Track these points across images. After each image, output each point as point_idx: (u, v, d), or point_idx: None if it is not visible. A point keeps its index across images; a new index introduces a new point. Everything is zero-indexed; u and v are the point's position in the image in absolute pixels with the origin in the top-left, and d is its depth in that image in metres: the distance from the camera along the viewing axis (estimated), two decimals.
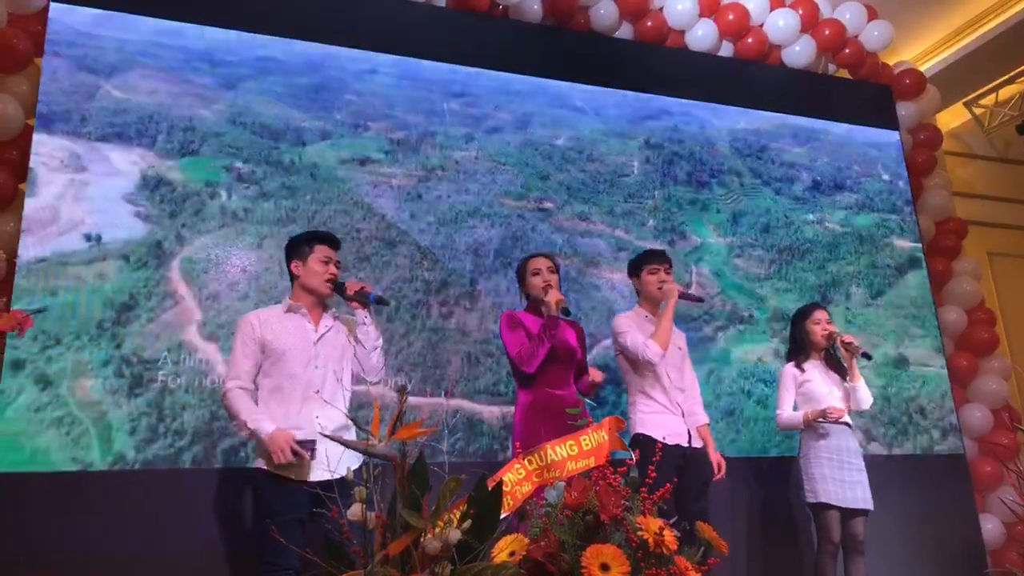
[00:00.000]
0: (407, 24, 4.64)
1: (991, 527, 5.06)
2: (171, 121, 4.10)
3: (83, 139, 3.90)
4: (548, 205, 4.82)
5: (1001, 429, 5.25)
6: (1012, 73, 6.06)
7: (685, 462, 3.43)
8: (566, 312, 3.20)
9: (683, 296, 3.56)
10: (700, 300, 3.87)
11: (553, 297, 3.19)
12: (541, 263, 3.37)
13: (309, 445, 2.73)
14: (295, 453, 2.69)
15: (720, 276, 5.10)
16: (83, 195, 3.83)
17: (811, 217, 5.51)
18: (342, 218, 4.30)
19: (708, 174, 5.32)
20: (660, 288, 3.57)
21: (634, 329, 3.50)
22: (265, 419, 2.76)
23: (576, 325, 3.53)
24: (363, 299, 2.93)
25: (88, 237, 3.78)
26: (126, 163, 3.96)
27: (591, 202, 4.93)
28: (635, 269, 3.71)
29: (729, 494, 4.29)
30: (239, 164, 4.17)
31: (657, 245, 4.76)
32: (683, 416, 3.52)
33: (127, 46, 4.11)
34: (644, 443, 3.36)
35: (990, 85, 6.24)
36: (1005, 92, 6.25)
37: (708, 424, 3.69)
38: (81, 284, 3.69)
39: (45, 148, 3.80)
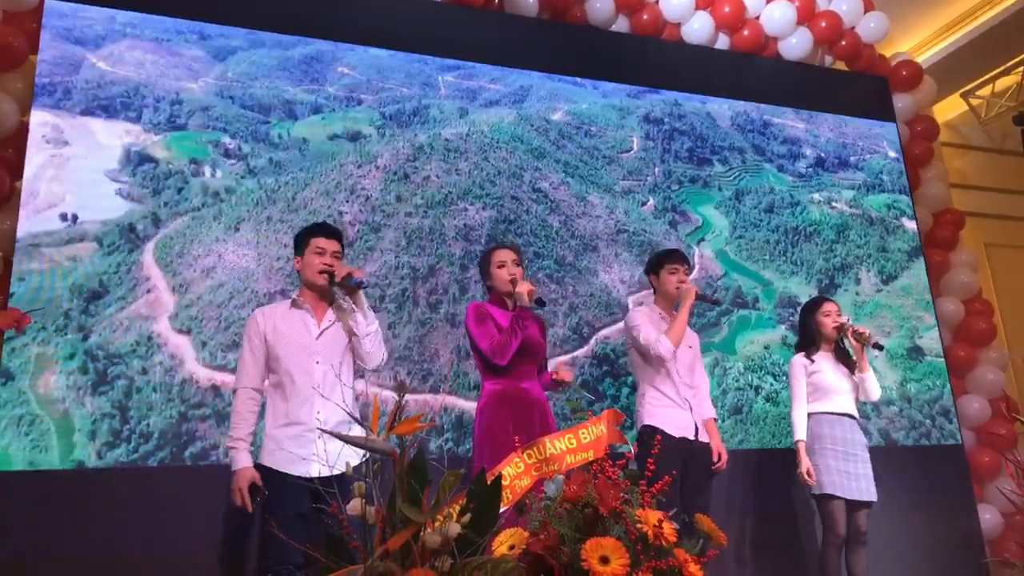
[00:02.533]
0: (403, 17, 4.62)
1: (989, 517, 5.08)
2: (158, 94, 3.96)
3: (67, 113, 3.76)
4: (543, 185, 4.57)
5: (999, 419, 5.26)
6: (1008, 64, 6.06)
7: (690, 455, 3.45)
8: (540, 303, 3.17)
9: (700, 297, 3.58)
10: (718, 303, 3.90)
11: (525, 288, 3.15)
12: (506, 255, 3.32)
13: (257, 495, 2.75)
14: (243, 499, 2.73)
15: (722, 258, 4.92)
16: (64, 172, 3.67)
17: (818, 197, 5.34)
18: (323, 200, 4.08)
19: (709, 151, 5.17)
20: (678, 288, 3.59)
21: (648, 324, 3.52)
22: (242, 450, 2.80)
23: (538, 318, 3.50)
24: (347, 284, 2.91)
25: (64, 217, 3.61)
26: (111, 138, 3.81)
27: (589, 180, 4.70)
28: (654, 267, 3.73)
29: (733, 486, 4.31)
30: (226, 139, 4.03)
31: (657, 224, 4.70)
32: (691, 411, 3.54)
33: (117, 16, 3.98)
34: (650, 434, 3.38)
35: (986, 76, 6.24)
36: (1001, 83, 6.24)
37: (715, 419, 3.71)
38: (52, 268, 3.52)
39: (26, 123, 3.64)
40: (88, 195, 3.68)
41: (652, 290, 3.79)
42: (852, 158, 5.61)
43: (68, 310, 3.52)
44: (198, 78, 4.08)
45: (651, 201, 4.87)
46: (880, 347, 3.86)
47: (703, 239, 4.95)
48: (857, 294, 5.25)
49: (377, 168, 4.25)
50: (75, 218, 3.64)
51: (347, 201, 4.12)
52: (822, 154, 5.52)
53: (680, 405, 3.51)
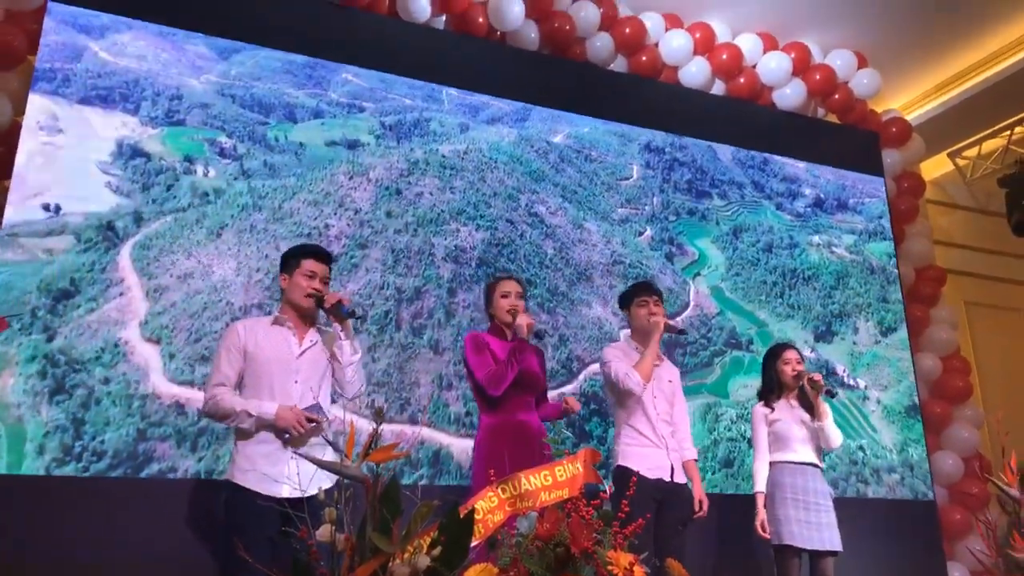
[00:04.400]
0: (405, 42, 4.65)
1: (958, 575, 5.08)
2: (158, 88, 3.89)
3: (64, 100, 3.69)
4: (540, 209, 4.46)
5: (971, 478, 5.28)
6: (996, 127, 6.18)
7: (664, 497, 3.39)
8: (538, 336, 3.19)
9: (667, 329, 3.57)
10: (683, 332, 3.87)
11: (524, 320, 3.18)
12: (511, 286, 3.34)
13: (315, 410, 2.75)
14: (311, 421, 2.71)
15: (717, 295, 4.84)
16: (54, 160, 3.57)
17: (817, 240, 5.27)
18: (310, 210, 3.95)
19: (709, 183, 5.11)
20: (649, 321, 3.58)
21: (619, 359, 3.50)
22: (264, 402, 2.75)
23: (538, 350, 3.51)
24: (337, 312, 2.90)
25: (47, 207, 3.48)
26: (106, 129, 3.73)
27: (587, 207, 4.60)
28: (625, 302, 3.72)
29: (708, 530, 4.28)
30: (223, 138, 3.96)
31: (654, 257, 4.66)
32: (668, 450, 3.50)
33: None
34: (624, 475, 3.33)
35: (974, 138, 6.36)
36: (988, 145, 6.37)
37: (696, 460, 3.65)
38: (28, 260, 3.38)
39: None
40: (75, 186, 3.58)
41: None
42: (851, 200, 5.58)
43: (35, 308, 3.37)
44: (201, 75, 4.03)
45: (648, 231, 4.80)
46: (833, 395, 3.84)
47: (699, 273, 4.89)
48: (854, 343, 5.16)
49: (369, 181, 4.15)
50: (58, 209, 3.52)
51: (335, 214, 4.02)
52: (821, 195, 5.48)
53: (656, 444, 3.47)
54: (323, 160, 4.13)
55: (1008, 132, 6.16)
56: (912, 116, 6.22)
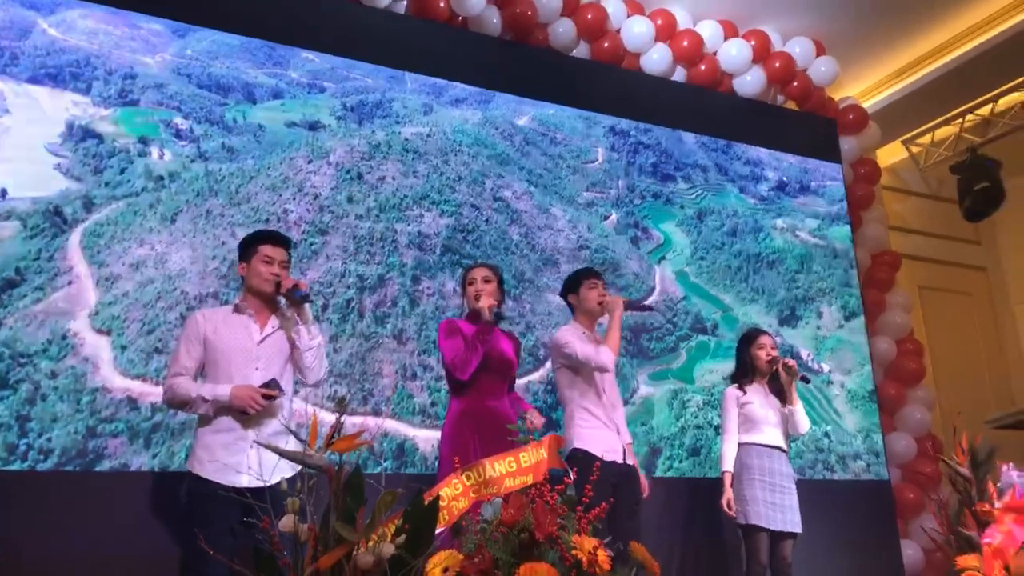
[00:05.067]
0: (365, 27, 4.58)
1: (911, 553, 5.22)
2: (111, 67, 3.75)
3: (11, 79, 3.54)
4: (506, 193, 4.39)
5: (924, 458, 5.43)
6: (948, 115, 6.31)
7: (619, 480, 3.44)
8: (498, 317, 3.21)
9: (629, 306, 3.60)
10: (649, 309, 3.90)
11: (485, 302, 3.21)
12: (477, 273, 3.37)
13: (273, 385, 2.72)
14: (266, 397, 2.70)
15: (682, 279, 4.84)
16: (0, 142, 3.41)
17: (781, 223, 5.30)
18: (268, 195, 3.82)
19: (674, 167, 5.11)
20: (601, 303, 3.60)
21: (579, 340, 3.52)
22: (220, 385, 2.73)
23: (513, 336, 3.53)
24: (292, 297, 2.87)
25: None
26: (56, 109, 3.58)
27: (552, 191, 4.55)
28: (572, 286, 3.72)
29: (665, 512, 4.33)
30: (179, 119, 3.83)
31: (620, 241, 4.64)
32: (618, 432, 3.55)
33: None
34: (583, 459, 3.34)
35: (927, 125, 6.49)
36: (941, 133, 6.50)
37: (631, 443, 3.68)
38: None
39: None
40: (23, 169, 3.41)
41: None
42: (813, 184, 5.63)
43: None
44: (155, 53, 3.89)
45: (614, 215, 4.78)
46: (807, 380, 3.95)
47: (664, 257, 4.89)
48: (819, 328, 5.20)
49: (329, 164, 4.04)
50: (4, 193, 3.36)
51: (294, 199, 3.91)
52: (784, 178, 5.52)
53: (608, 426, 3.51)
54: (283, 142, 4.03)
55: (960, 120, 6.30)
56: (868, 104, 6.33)
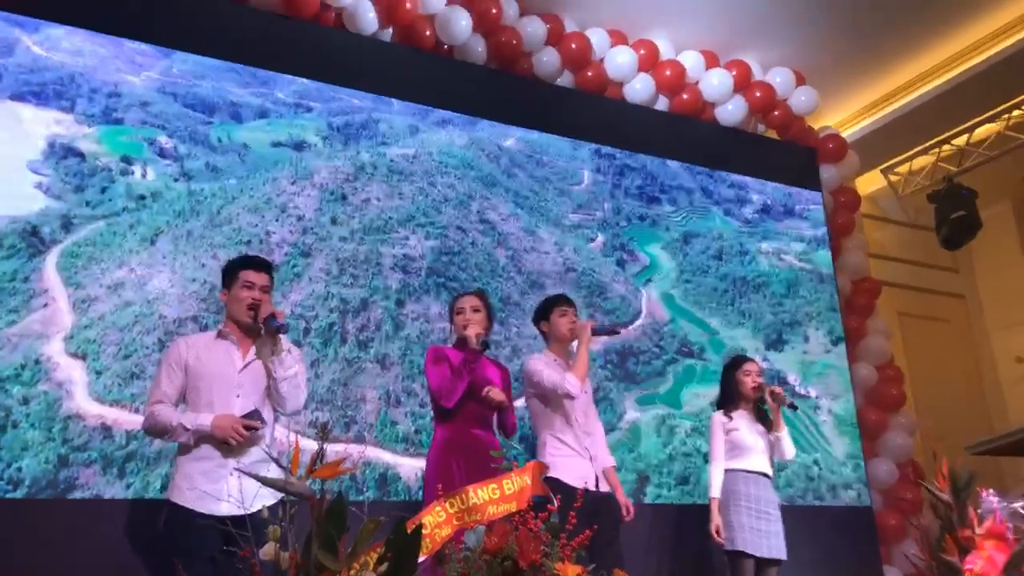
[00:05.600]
0: (350, 56, 4.60)
1: None
2: (95, 85, 3.72)
3: None
4: (492, 216, 4.37)
5: (906, 483, 5.45)
6: (925, 144, 6.44)
7: (595, 507, 3.41)
8: (485, 345, 3.21)
9: (597, 331, 3.62)
10: (615, 332, 3.90)
11: (472, 331, 3.21)
12: (466, 302, 3.37)
13: (254, 416, 2.68)
14: (248, 428, 2.66)
15: (668, 301, 4.84)
16: None
17: (767, 247, 5.32)
18: (250, 216, 3.76)
19: (659, 189, 5.13)
20: (571, 329, 3.62)
21: (548, 368, 3.52)
22: (201, 415, 2.69)
23: (501, 366, 3.53)
24: (267, 326, 2.85)
25: None
26: (38, 126, 3.54)
27: (539, 213, 4.54)
28: (544, 314, 3.74)
29: (652, 539, 4.31)
30: (163, 138, 3.79)
31: (606, 264, 4.63)
32: (590, 460, 3.54)
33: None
34: (553, 488, 3.33)
35: (905, 155, 6.61)
36: (919, 162, 6.62)
37: (615, 467, 3.71)
38: None
39: None
40: (1, 188, 3.37)
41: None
42: (798, 207, 5.68)
43: None
44: (140, 72, 3.87)
45: (600, 237, 4.78)
46: (794, 407, 3.98)
47: (650, 280, 4.89)
48: (805, 352, 5.20)
49: (313, 186, 4.01)
50: None
51: (277, 220, 3.86)
52: (768, 201, 5.55)
53: (580, 454, 3.51)
54: (267, 162, 4.00)
55: (936, 149, 6.42)
56: (847, 133, 6.43)
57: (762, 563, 3.79)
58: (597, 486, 3.49)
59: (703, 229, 5.24)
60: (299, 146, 4.10)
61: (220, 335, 2.89)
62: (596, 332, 3.62)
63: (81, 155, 3.64)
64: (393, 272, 4.05)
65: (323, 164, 4.08)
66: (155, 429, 2.76)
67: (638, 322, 4.75)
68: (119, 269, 3.54)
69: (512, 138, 4.75)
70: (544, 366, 3.53)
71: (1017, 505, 2.20)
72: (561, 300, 3.73)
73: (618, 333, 3.92)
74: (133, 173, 3.72)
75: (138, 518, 3.33)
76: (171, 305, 3.62)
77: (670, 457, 4.54)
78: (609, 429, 4.29)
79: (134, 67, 3.88)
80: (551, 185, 4.75)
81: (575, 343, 3.61)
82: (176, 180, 3.80)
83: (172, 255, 3.70)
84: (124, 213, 3.63)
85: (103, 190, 3.61)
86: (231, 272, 2.93)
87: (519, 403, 4.21)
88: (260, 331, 2.93)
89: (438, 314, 4.04)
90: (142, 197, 3.69)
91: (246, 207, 3.85)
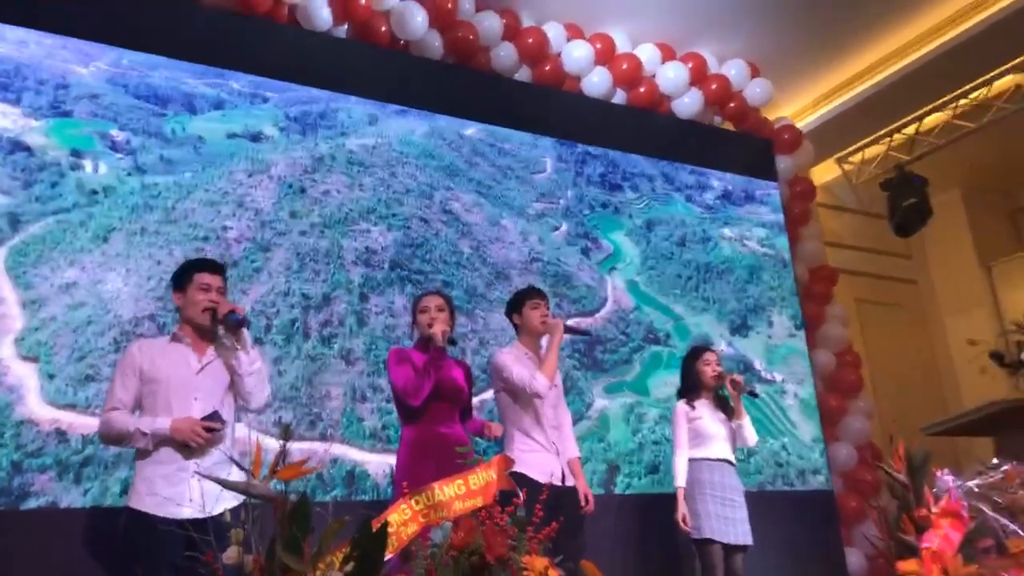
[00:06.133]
0: (304, 53, 4.54)
1: (855, 560, 5.33)
2: (42, 76, 3.60)
3: None
4: (455, 206, 4.30)
5: (865, 466, 5.57)
6: (877, 134, 6.57)
7: (558, 502, 3.43)
8: (452, 342, 3.20)
9: (568, 330, 3.62)
10: (587, 334, 3.91)
11: (438, 328, 3.19)
12: (430, 301, 3.34)
13: (216, 417, 2.65)
14: (208, 430, 2.62)
15: (633, 289, 4.83)
16: None
17: (729, 232, 5.35)
18: (206, 211, 3.66)
19: (621, 176, 5.13)
20: (543, 323, 3.61)
21: (517, 363, 3.52)
22: (159, 418, 2.65)
23: (464, 364, 3.52)
24: (228, 322, 2.81)
25: None
26: None
27: (502, 202, 4.49)
28: (516, 306, 3.73)
29: (619, 529, 4.34)
30: (115, 131, 3.68)
31: (571, 252, 4.64)
32: (557, 455, 3.56)
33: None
34: (519, 482, 3.34)
35: (858, 144, 6.74)
36: (871, 151, 6.76)
37: (579, 458, 3.71)
38: None
39: None
40: None
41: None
42: (758, 192, 5.73)
43: None
44: (89, 62, 3.74)
45: (564, 226, 4.76)
46: (755, 395, 4.05)
47: (614, 267, 4.88)
48: (770, 337, 5.24)
49: (270, 179, 3.91)
50: None
51: (234, 215, 3.76)
52: (729, 187, 5.59)
53: (547, 449, 3.52)
54: (223, 154, 3.90)
55: (888, 139, 6.56)
56: (802, 124, 6.54)
57: (729, 549, 3.84)
58: (563, 480, 3.50)
59: (665, 216, 5.25)
60: (255, 137, 4.01)
61: (175, 338, 2.85)
62: (569, 331, 3.62)
63: (29, 149, 3.52)
64: (355, 266, 3.99)
65: (280, 156, 4.00)
66: (111, 436, 2.71)
67: (604, 310, 4.75)
68: (71, 267, 3.44)
69: (473, 126, 4.71)
70: (514, 361, 3.52)
71: (971, 484, 2.26)
72: (533, 293, 3.72)
73: (589, 335, 3.91)
74: (84, 167, 3.60)
75: (94, 526, 3.24)
76: (126, 304, 3.53)
77: (640, 446, 4.55)
78: (578, 418, 4.30)
79: (83, 58, 3.75)
80: (513, 174, 4.71)
81: (546, 337, 3.61)
82: (129, 174, 3.70)
83: (126, 252, 3.60)
84: (75, 209, 3.53)
85: (53, 185, 3.51)
86: (185, 274, 2.89)
87: (487, 395, 4.23)
88: (218, 332, 2.89)
89: (403, 307, 3.98)
90: (94, 192, 3.58)
91: (202, 201, 3.75)
